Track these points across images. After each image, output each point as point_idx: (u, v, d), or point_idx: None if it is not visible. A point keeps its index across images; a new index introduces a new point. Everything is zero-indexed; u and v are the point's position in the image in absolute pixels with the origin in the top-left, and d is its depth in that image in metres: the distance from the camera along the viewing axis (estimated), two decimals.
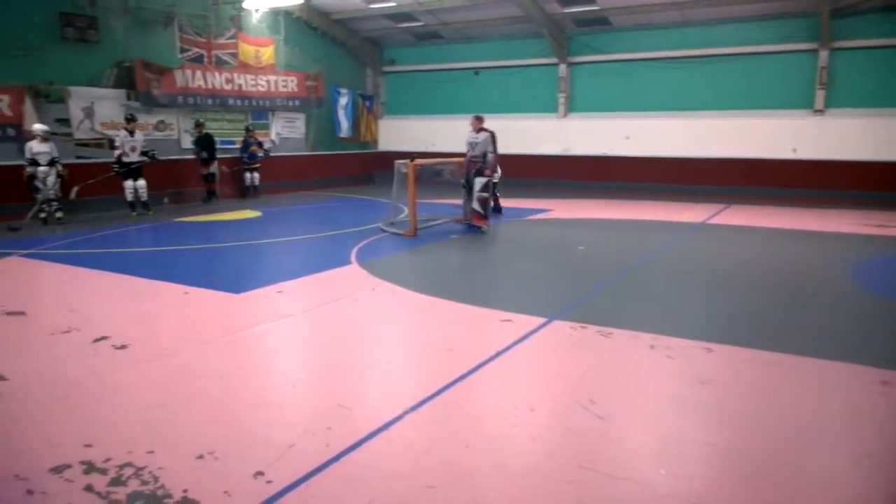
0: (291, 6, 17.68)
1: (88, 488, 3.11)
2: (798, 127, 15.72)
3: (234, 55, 16.51)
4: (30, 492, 3.09)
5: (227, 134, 16.42)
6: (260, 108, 17.48)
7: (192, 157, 14.96)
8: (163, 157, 13.77)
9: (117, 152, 12.59)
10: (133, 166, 12.68)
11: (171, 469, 3.29)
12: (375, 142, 21.99)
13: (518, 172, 17.44)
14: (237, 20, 16.80)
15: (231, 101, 16.44)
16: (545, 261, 8.90)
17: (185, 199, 14.84)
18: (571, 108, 18.74)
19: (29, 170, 11.32)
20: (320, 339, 5.70)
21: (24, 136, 11.96)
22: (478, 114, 11.08)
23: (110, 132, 13.57)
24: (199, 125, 14.85)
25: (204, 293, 6.90)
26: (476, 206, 10.84)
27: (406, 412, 3.96)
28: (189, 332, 5.64)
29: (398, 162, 11.23)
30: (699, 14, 16.07)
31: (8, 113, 12.21)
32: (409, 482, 3.19)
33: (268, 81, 17.30)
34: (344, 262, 8.43)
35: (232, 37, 16.48)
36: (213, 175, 14.92)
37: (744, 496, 3.09)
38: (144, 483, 3.15)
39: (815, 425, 3.83)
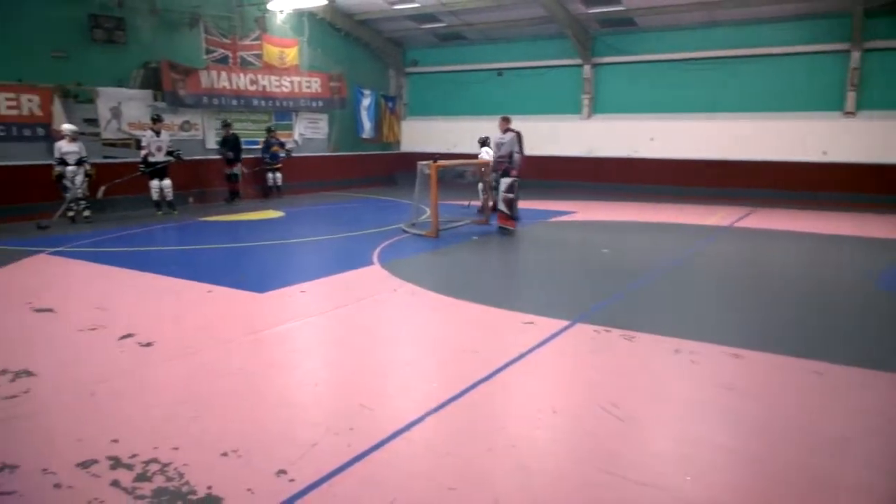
0: (315, 7, 17.79)
1: (115, 483, 3.15)
2: (828, 129, 15.46)
3: (259, 56, 16.64)
4: (57, 486, 3.13)
5: (251, 134, 16.55)
6: (284, 109, 17.60)
7: (216, 157, 15.10)
8: (188, 158, 13.91)
9: (143, 152, 12.74)
10: (159, 166, 12.83)
11: (196, 466, 3.31)
12: (398, 143, 22.04)
13: (541, 174, 17.39)
14: (262, 21, 16.94)
15: (255, 102, 16.57)
16: (568, 263, 8.85)
17: (210, 198, 14.98)
18: (595, 109, 18.63)
19: (58, 169, 11.50)
20: (342, 339, 5.72)
21: (53, 136, 12.16)
22: (505, 115, 11.05)
23: (137, 132, 13.75)
24: (226, 125, 14.99)
25: (227, 292, 6.96)
26: (501, 207, 10.82)
27: (428, 413, 3.95)
28: (213, 330, 5.69)
29: (421, 163, 11.25)
30: (726, 14, 15.89)
31: (38, 113, 12.41)
32: (431, 483, 3.18)
33: (291, 82, 17.41)
34: (366, 262, 8.45)
35: (256, 38, 16.62)
36: (236, 175, 15.05)
37: None
38: (169, 479, 3.18)
39: (844, 435, 3.75)
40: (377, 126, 21.07)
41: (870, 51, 14.90)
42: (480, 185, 13.39)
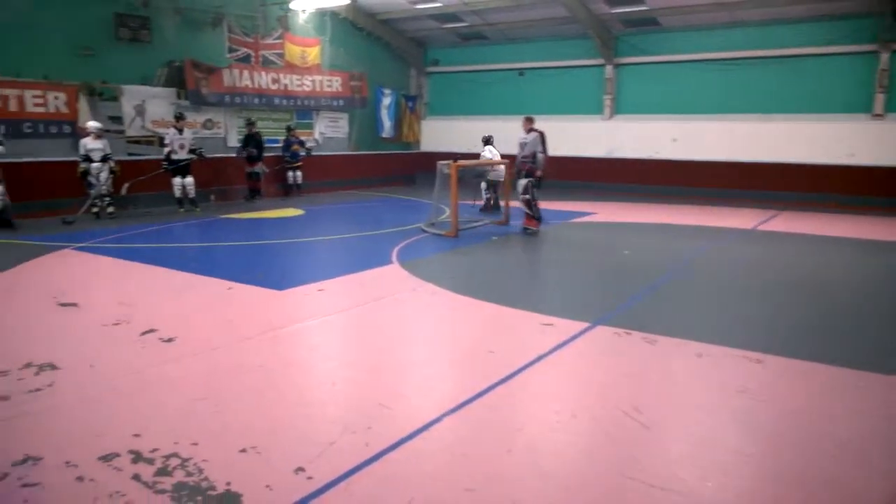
0: (338, 7, 17.86)
1: (136, 477, 3.18)
2: (855, 131, 15.19)
3: (281, 55, 16.73)
4: (80, 479, 3.16)
5: (273, 133, 16.64)
6: (305, 108, 17.69)
7: (237, 155, 15.17)
8: (210, 155, 14.03)
9: (167, 150, 12.87)
10: (181, 163, 12.95)
11: (215, 461, 3.34)
12: (418, 142, 22.06)
13: (561, 174, 17.29)
14: (284, 21, 17.04)
15: (277, 101, 16.67)
16: (588, 264, 8.79)
17: (231, 196, 15.10)
18: (617, 109, 18.50)
19: (83, 166, 11.64)
20: (361, 337, 5.73)
21: (78, 133, 12.32)
22: (528, 115, 10.99)
23: (160, 130, 13.89)
24: (250, 124, 15.09)
25: (247, 289, 7.01)
26: (524, 208, 10.80)
27: (446, 414, 3.94)
28: (233, 327, 5.73)
29: (440, 163, 11.24)
30: (752, 14, 15.68)
31: (64, 110, 12.58)
32: (449, 484, 3.17)
33: (313, 81, 17.49)
34: (385, 261, 8.47)
35: (279, 37, 16.71)
36: (258, 174, 15.15)
37: None
38: (189, 474, 3.20)
39: (868, 443, 3.69)
40: (397, 125, 21.10)
41: None
42: (483, 184, 13.43)
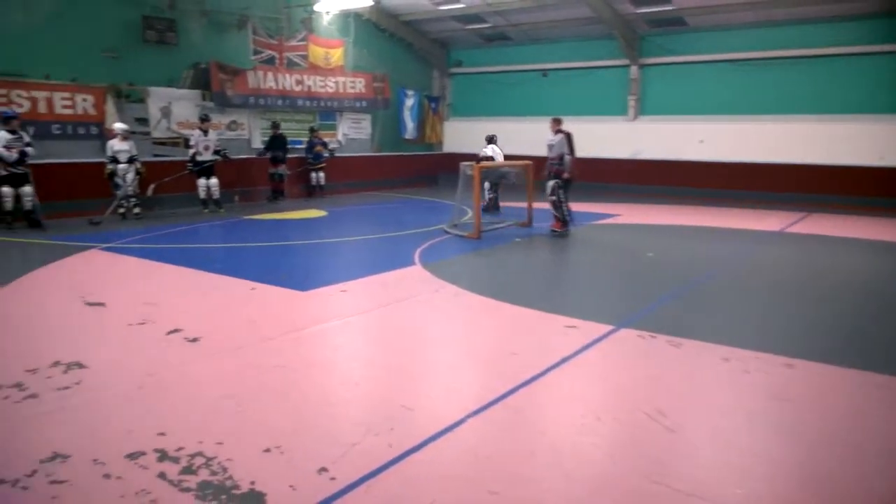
0: (361, 8, 17.93)
1: (161, 476, 3.20)
2: (886, 133, 14.86)
3: (305, 57, 16.82)
4: (107, 476, 3.19)
5: (296, 134, 16.74)
6: (328, 109, 17.77)
7: (262, 156, 15.29)
8: (234, 157, 14.14)
9: (191, 151, 13.00)
10: (206, 165, 13.07)
11: (239, 461, 3.35)
12: (440, 143, 22.06)
13: (585, 176, 17.11)
14: (308, 22, 17.15)
15: (300, 102, 16.76)
16: (612, 267, 8.72)
17: (254, 197, 15.21)
18: (642, 110, 18.34)
19: (110, 167, 11.80)
20: (383, 338, 5.73)
21: (105, 135, 12.48)
22: (556, 116, 10.89)
23: (185, 131, 14.03)
24: (275, 126, 15.19)
25: (271, 290, 7.04)
26: (552, 210, 10.74)
27: (469, 416, 3.92)
28: (257, 327, 5.76)
29: (463, 164, 11.23)
30: (781, 14, 15.44)
31: (92, 112, 12.77)
32: (472, 486, 3.15)
33: (336, 83, 17.57)
34: (407, 262, 8.47)
35: (303, 39, 16.81)
36: (281, 175, 15.24)
37: None
38: (214, 473, 3.22)
39: None
40: (420, 127, 21.13)
41: None
42: (486, 184, 13.39)
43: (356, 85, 18.14)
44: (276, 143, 15.05)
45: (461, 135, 21.51)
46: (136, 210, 12.14)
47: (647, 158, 18.01)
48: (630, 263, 8.89)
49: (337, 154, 17.03)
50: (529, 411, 4.08)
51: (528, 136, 18.61)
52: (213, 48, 15.10)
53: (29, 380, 4.39)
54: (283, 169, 15.21)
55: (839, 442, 3.66)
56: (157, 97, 13.93)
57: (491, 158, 13.24)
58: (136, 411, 3.99)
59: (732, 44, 16.57)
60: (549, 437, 3.70)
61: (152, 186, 12.50)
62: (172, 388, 4.36)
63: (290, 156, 15.53)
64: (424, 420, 3.90)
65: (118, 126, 12.06)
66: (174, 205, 13.23)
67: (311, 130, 16.44)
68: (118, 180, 11.86)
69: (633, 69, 18.09)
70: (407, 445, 3.52)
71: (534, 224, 11.55)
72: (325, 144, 16.43)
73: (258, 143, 15.84)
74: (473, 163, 10.78)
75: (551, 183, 10.61)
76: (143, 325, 5.71)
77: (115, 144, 11.84)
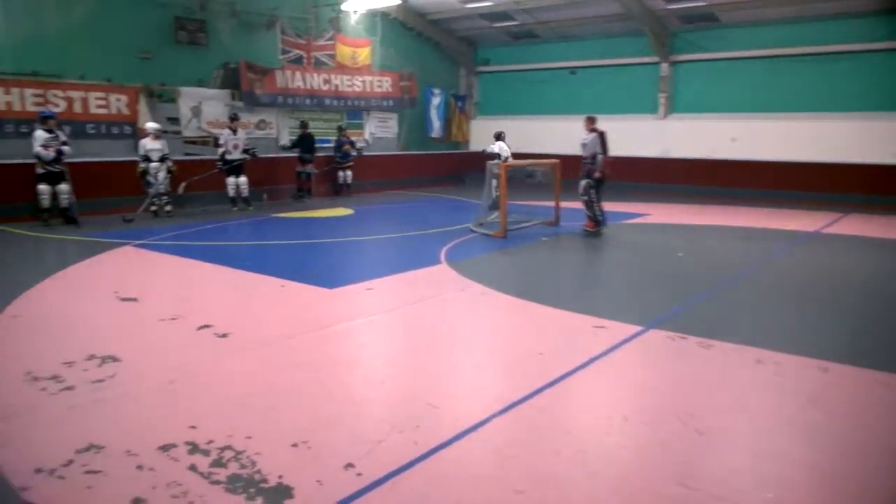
0: (388, 7, 17.98)
1: (192, 468, 3.26)
2: None
3: (332, 56, 16.92)
4: (140, 467, 3.26)
5: (323, 133, 16.84)
6: (355, 108, 17.86)
7: (289, 155, 15.43)
8: (262, 155, 14.29)
9: (221, 150, 13.16)
10: (235, 163, 13.23)
11: (268, 455, 3.39)
12: (467, 142, 22.04)
13: (614, 175, 17.01)
14: (336, 22, 17.25)
15: (328, 102, 16.87)
16: (641, 267, 8.64)
17: (282, 195, 15.34)
18: (673, 108, 18.12)
19: (142, 166, 12.01)
20: (409, 337, 5.76)
21: (138, 134, 12.70)
22: (590, 115, 10.78)
23: (215, 131, 14.20)
24: (304, 125, 15.31)
25: (299, 287, 7.11)
26: (585, 210, 10.68)
27: (495, 415, 3.92)
28: (285, 323, 5.82)
29: (490, 163, 11.21)
30: (816, 9, 15.11)
31: (125, 112, 13.00)
32: (498, 485, 3.16)
33: (363, 82, 17.65)
34: (433, 261, 8.48)
35: (330, 38, 16.91)
36: (308, 174, 15.36)
37: None
38: (243, 467, 3.27)
39: None
40: (446, 125, 21.15)
41: None
42: (494, 182, 13.32)
43: (383, 84, 18.21)
44: (304, 142, 15.16)
45: (488, 133, 21.37)
46: (168, 208, 12.33)
47: (677, 157, 17.77)
48: (659, 263, 8.80)
49: (364, 153, 17.12)
50: (556, 411, 4.06)
51: (556, 135, 18.55)
52: (243, 48, 15.27)
53: (65, 372, 4.49)
54: (310, 168, 15.33)
55: (873, 448, 3.59)
56: (188, 97, 14.13)
57: (498, 155, 13.32)
58: (167, 404, 4.06)
59: (765, 40, 16.29)
60: (576, 437, 3.69)
61: (183, 185, 12.68)
62: (203, 382, 4.44)
63: (317, 154, 15.64)
64: (450, 418, 3.91)
65: (150, 125, 12.27)
66: (204, 203, 13.41)
67: (340, 129, 16.54)
68: (150, 178, 12.06)
69: (664, 66, 17.87)
70: (433, 443, 3.54)
71: (561, 223, 11.49)
72: (353, 143, 16.52)
73: (286, 140, 15.96)
74: (500, 161, 10.75)
75: (583, 182, 10.54)
76: (175, 321, 5.81)
77: (148, 143, 12.03)
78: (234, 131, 13.33)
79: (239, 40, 15.33)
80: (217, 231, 11.05)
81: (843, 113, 15.41)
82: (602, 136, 10.38)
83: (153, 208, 12.17)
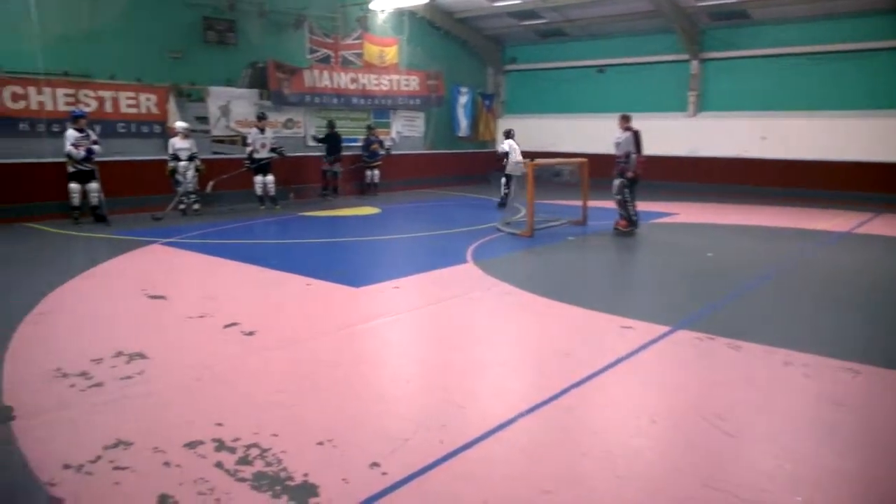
0: (416, 6, 17.98)
1: (218, 465, 3.27)
2: None
3: (360, 55, 16.98)
4: (167, 464, 3.28)
5: (350, 132, 16.90)
6: (382, 107, 17.89)
7: (316, 154, 15.50)
8: (289, 154, 14.38)
9: (249, 149, 13.28)
10: (263, 162, 13.33)
11: (293, 453, 3.39)
12: (493, 141, 21.92)
13: (644, 174, 16.82)
14: (363, 21, 17.29)
15: (355, 101, 16.92)
16: (669, 267, 8.52)
17: (309, 194, 15.44)
18: (702, 106, 17.85)
19: (171, 164, 12.16)
20: (435, 335, 5.73)
21: (167, 133, 12.86)
22: (625, 113, 10.61)
23: (243, 130, 14.33)
24: (331, 125, 15.37)
25: (325, 286, 7.13)
26: (618, 209, 10.59)
27: (521, 414, 3.89)
28: (311, 322, 5.84)
29: (515, 161, 11.15)
30: (849, 5, 14.78)
31: (154, 111, 13.17)
32: (524, 485, 3.12)
33: (390, 81, 17.67)
34: (460, 260, 8.45)
35: (358, 37, 16.96)
36: (335, 173, 15.42)
37: None
38: (269, 464, 3.27)
39: None
40: (473, 124, 21.10)
41: None
42: (503, 179, 13.34)
43: (410, 83, 18.22)
44: (331, 141, 15.22)
45: (516, 132, 21.33)
46: (196, 206, 12.47)
47: (706, 156, 17.52)
48: (688, 263, 8.67)
49: (391, 152, 17.14)
50: (582, 412, 4.02)
51: (584, 134, 18.42)
52: (271, 47, 15.38)
53: (94, 369, 4.55)
54: (336, 167, 15.39)
55: None
56: (217, 96, 14.27)
57: (508, 154, 13.36)
58: (194, 402, 4.09)
59: (798, 37, 15.96)
60: (603, 438, 3.64)
61: (211, 183, 12.81)
62: (229, 380, 4.46)
63: (345, 154, 15.69)
64: (476, 418, 3.88)
65: (180, 124, 12.41)
66: (232, 201, 13.54)
67: (369, 128, 16.58)
68: (179, 177, 12.20)
69: (694, 64, 17.61)
70: (459, 442, 3.51)
71: (588, 222, 11.38)
72: (381, 143, 16.55)
73: (314, 133, 15.98)
74: (527, 160, 10.68)
75: (617, 182, 10.43)
76: (202, 319, 5.85)
77: (177, 142, 12.18)
78: (262, 130, 13.44)
79: (267, 40, 15.44)
80: (244, 230, 11.14)
81: (877, 111, 15.07)
82: (636, 135, 10.25)
83: (181, 207, 12.31)
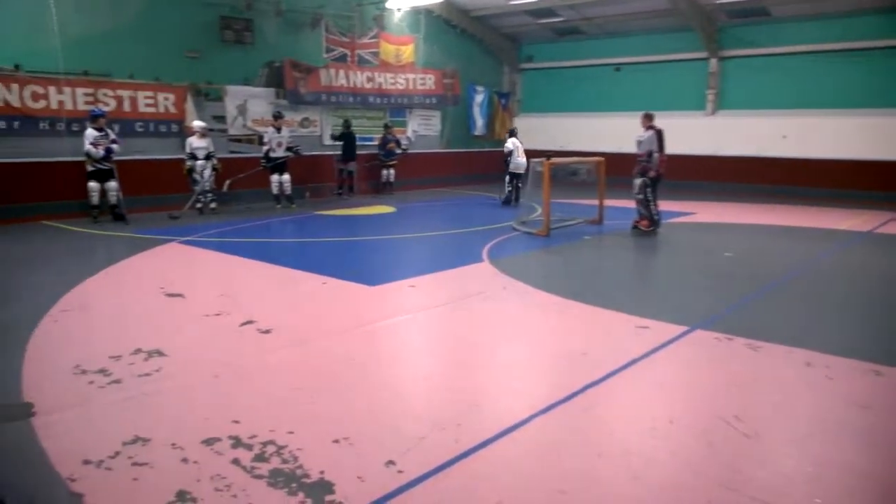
0: (432, 4, 17.96)
1: (235, 462, 3.28)
2: None
3: (376, 54, 17.00)
4: (184, 460, 3.30)
5: (366, 131, 16.93)
6: (398, 106, 17.91)
7: (332, 153, 15.56)
8: (306, 153, 14.43)
9: (265, 148, 13.34)
10: (279, 161, 13.38)
11: (309, 450, 3.40)
12: None
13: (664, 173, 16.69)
14: (380, 20, 17.31)
15: (371, 100, 16.96)
16: (687, 266, 8.46)
17: (325, 193, 15.49)
18: (721, 105, 17.68)
19: (188, 163, 12.24)
20: (450, 334, 5.73)
21: (185, 132, 12.95)
22: (647, 111, 10.55)
23: (260, 129, 14.40)
24: (346, 124, 15.41)
25: (340, 284, 7.15)
26: (639, 207, 10.53)
27: (536, 414, 3.87)
28: (327, 320, 5.86)
29: (533, 160, 11.13)
30: (871, 2, 14.58)
31: (172, 110, 13.26)
32: (539, 485, 3.11)
33: (406, 79, 17.68)
34: (476, 259, 8.44)
35: (374, 36, 16.99)
36: (350, 172, 15.46)
37: None
38: (285, 462, 3.28)
39: None
40: (489, 123, 21.06)
41: None
42: (507, 178, 13.31)
43: (426, 81, 18.22)
44: (346, 140, 15.24)
45: (531, 131, 21.21)
46: (213, 205, 12.55)
47: (725, 155, 17.35)
48: (706, 263, 8.59)
49: (407, 151, 17.14)
50: (599, 412, 3.99)
51: (601, 132, 18.32)
52: (288, 47, 15.45)
53: (113, 366, 4.59)
54: (351, 166, 15.42)
55: None
56: (234, 95, 14.34)
57: (512, 152, 13.33)
58: (211, 399, 4.12)
59: (818, 34, 15.76)
60: (619, 439, 3.61)
61: (228, 182, 12.88)
62: (246, 377, 4.48)
63: (361, 152, 15.72)
64: (492, 417, 3.87)
65: (197, 124, 12.49)
66: (248, 200, 13.60)
67: (386, 127, 16.59)
68: (196, 176, 12.27)
69: (713, 62, 17.45)
70: (474, 441, 3.50)
71: (605, 222, 11.32)
72: (398, 142, 16.56)
73: (329, 139, 16.06)
74: (543, 159, 10.64)
75: (638, 181, 10.36)
76: (219, 317, 5.89)
77: (194, 141, 12.26)
78: (279, 129, 13.49)
79: (284, 39, 15.51)
80: (260, 228, 11.20)
81: None
82: (659, 134, 10.19)
83: (199, 205, 12.38)
